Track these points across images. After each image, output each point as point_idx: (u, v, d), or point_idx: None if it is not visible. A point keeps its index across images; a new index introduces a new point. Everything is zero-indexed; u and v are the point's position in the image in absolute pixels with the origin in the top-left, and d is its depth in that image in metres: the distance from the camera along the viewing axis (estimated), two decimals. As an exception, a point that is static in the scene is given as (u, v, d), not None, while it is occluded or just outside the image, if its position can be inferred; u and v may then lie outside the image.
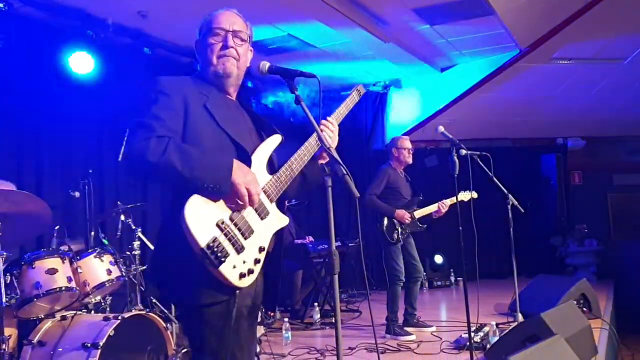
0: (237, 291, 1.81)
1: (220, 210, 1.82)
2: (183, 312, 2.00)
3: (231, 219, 1.83)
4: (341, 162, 1.93)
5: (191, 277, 1.78)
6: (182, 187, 1.78)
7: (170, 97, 1.86)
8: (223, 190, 1.78)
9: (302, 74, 2.02)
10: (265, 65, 2.05)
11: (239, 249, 1.81)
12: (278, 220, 2.01)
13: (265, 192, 1.95)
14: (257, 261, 1.87)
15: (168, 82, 1.90)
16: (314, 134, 2.08)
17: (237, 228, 1.83)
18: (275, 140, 2.07)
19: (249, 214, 1.88)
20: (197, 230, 1.72)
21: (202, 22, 2.07)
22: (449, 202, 5.17)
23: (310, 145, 2.10)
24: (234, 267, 1.79)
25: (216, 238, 1.75)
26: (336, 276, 1.92)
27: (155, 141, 1.73)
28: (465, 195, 4.89)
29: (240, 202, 1.82)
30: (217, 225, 1.78)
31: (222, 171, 1.78)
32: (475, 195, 4.69)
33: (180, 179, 1.73)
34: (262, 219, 1.93)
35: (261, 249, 1.90)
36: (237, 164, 1.82)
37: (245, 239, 1.85)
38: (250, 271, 1.83)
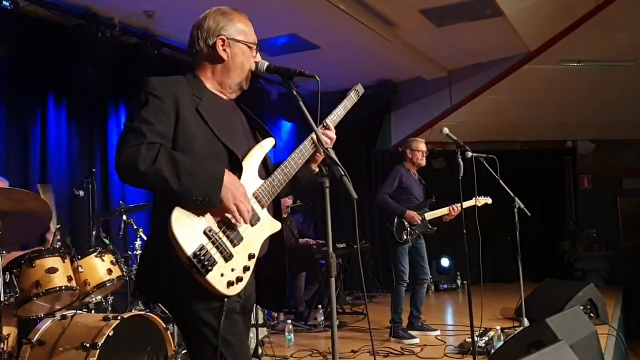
0: (225, 299, 1.75)
1: (208, 217, 1.76)
2: (177, 314, 1.94)
3: (219, 227, 1.77)
4: (339, 163, 1.88)
5: (182, 284, 1.73)
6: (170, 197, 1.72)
7: (161, 99, 1.79)
8: (212, 204, 1.72)
9: (301, 74, 1.97)
10: (263, 64, 2.00)
11: (227, 257, 1.76)
12: (270, 226, 1.94)
13: (256, 197, 1.89)
14: (246, 269, 1.81)
15: (159, 83, 1.82)
16: (309, 138, 2.01)
17: (226, 235, 1.77)
18: (268, 143, 2.01)
19: None
20: (183, 238, 1.67)
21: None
22: (464, 204, 5.10)
23: (305, 149, 2.02)
24: (222, 275, 1.73)
25: (203, 246, 1.70)
26: (333, 279, 1.88)
27: (146, 148, 1.68)
28: (480, 200, 4.84)
29: (229, 217, 1.76)
30: (205, 232, 1.72)
31: (211, 185, 1.71)
32: (489, 201, 4.64)
33: (170, 190, 1.68)
34: (252, 225, 1.86)
35: (251, 256, 1.84)
36: (227, 177, 1.75)
37: (234, 246, 1.78)
38: (239, 279, 1.78)
